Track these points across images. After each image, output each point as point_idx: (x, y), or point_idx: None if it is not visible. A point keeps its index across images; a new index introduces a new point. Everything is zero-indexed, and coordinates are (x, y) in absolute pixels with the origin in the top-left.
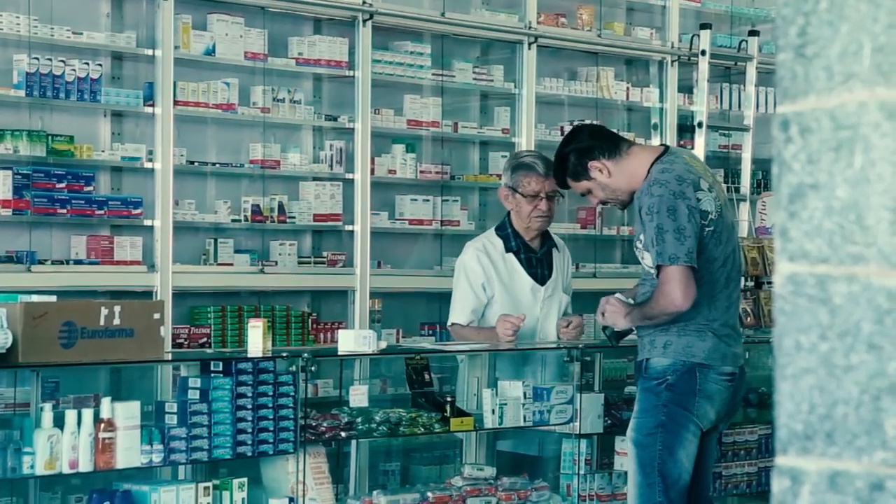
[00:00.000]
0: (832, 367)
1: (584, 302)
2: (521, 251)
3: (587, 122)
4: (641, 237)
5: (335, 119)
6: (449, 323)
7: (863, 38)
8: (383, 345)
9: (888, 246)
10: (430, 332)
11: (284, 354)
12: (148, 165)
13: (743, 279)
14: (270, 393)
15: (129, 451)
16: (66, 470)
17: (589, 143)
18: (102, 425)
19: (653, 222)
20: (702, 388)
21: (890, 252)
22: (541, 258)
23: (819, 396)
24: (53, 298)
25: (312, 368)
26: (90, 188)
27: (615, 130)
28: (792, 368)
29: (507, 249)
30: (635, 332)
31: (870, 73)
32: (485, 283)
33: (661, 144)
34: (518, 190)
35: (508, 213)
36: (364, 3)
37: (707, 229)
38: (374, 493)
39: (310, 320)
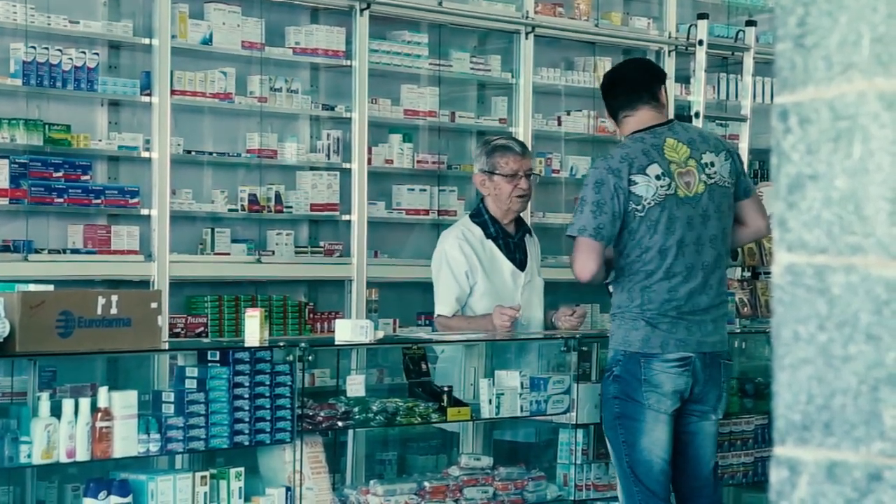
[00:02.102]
0: (830, 357)
1: (581, 292)
2: (500, 237)
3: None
4: None
5: (332, 109)
6: (436, 314)
7: (862, 28)
8: (380, 334)
9: (887, 236)
10: (427, 321)
11: (281, 344)
12: (145, 155)
13: (739, 269)
14: (267, 382)
15: (127, 441)
16: (64, 459)
17: (605, 97)
18: (100, 414)
19: (581, 193)
20: (647, 377)
21: (888, 242)
22: (518, 243)
23: (817, 387)
24: (51, 288)
25: (310, 358)
26: (87, 177)
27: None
28: (790, 359)
29: (487, 236)
30: None
31: (869, 64)
32: (468, 272)
33: (672, 119)
34: (496, 171)
35: (482, 199)
36: None
37: (637, 214)
38: (371, 482)
39: (307, 310)
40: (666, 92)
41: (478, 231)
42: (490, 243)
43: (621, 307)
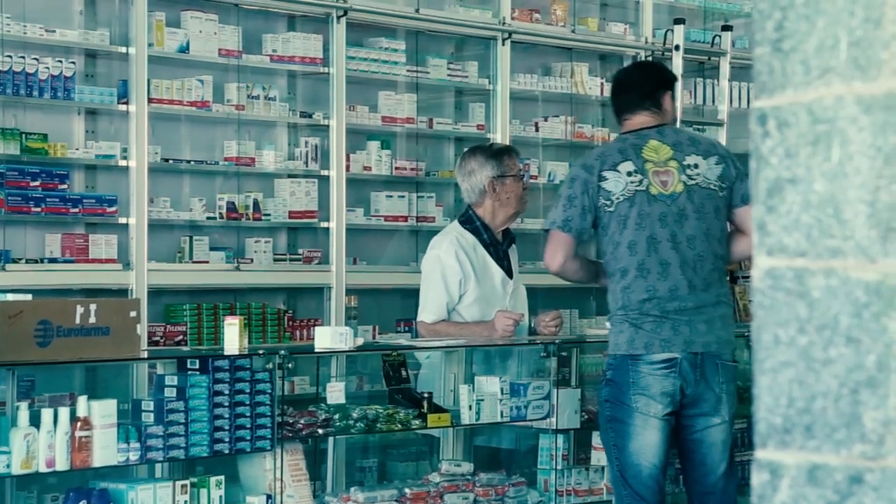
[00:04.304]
0: (811, 360)
1: (559, 297)
2: (491, 244)
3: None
4: None
5: (310, 116)
6: (419, 319)
7: (839, 32)
8: (360, 341)
9: (866, 239)
10: (406, 328)
11: (261, 352)
12: (122, 163)
13: None
14: (247, 390)
15: (106, 450)
16: (43, 469)
17: (611, 98)
18: (79, 424)
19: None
20: (634, 380)
21: (867, 245)
22: (505, 251)
23: (798, 390)
24: (29, 297)
25: (289, 366)
26: (65, 186)
27: (589, 126)
28: (770, 362)
29: (481, 242)
30: None
31: (847, 68)
32: (461, 280)
33: (661, 125)
34: (508, 174)
35: (469, 206)
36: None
37: (607, 209)
38: (352, 489)
39: (286, 317)
40: (673, 97)
41: (470, 237)
42: (482, 250)
43: (610, 311)
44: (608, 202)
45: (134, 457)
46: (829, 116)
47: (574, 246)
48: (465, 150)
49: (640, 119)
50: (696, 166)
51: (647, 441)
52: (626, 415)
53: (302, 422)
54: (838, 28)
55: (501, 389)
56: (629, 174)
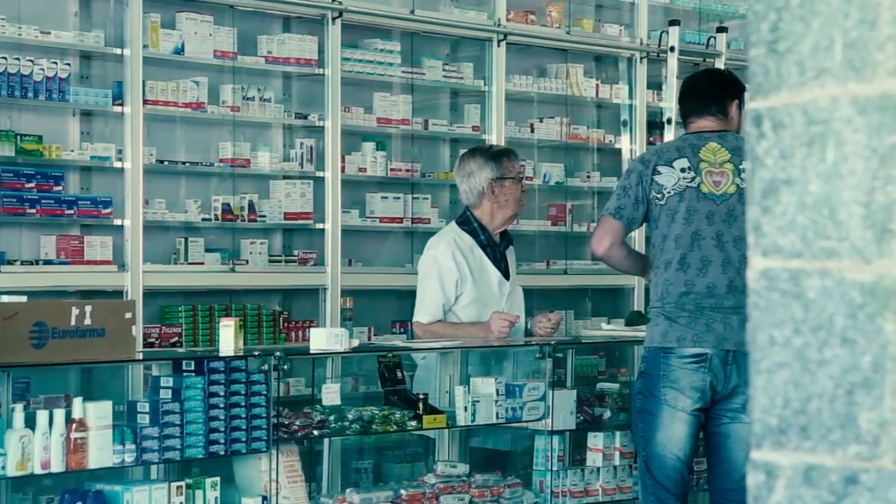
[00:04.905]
0: (806, 361)
1: (555, 299)
2: (489, 245)
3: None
4: None
5: (305, 117)
6: (415, 320)
7: (834, 33)
8: (355, 343)
9: (861, 240)
10: (402, 329)
11: (257, 353)
12: (117, 165)
13: None
14: (243, 392)
15: (102, 451)
16: (38, 470)
17: (679, 102)
18: (74, 425)
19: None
20: (665, 373)
21: (862, 246)
22: (503, 252)
23: (793, 391)
24: (24, 299)
25: (285, 367)
26: (60, 188)
27: (584, 128)
28: (766, 363)
29: (479, 244)
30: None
31: (842, 69)
32: (458, 281)
33: (724, 131)
34: (507, 176)
35: (467, 207)
36: (333, 1)
37: (658, 202)
38: (348, 491)
39: (281, 319)
40: (741, 106)
41: (468, 239)
42: (479, 251)
43: (650, 304)
44: (660, 195)
45: (129, 458)
46: (825, 117)
47: (623, 234)
48: (464, 151)
49: (704, 123)
50: None
51: (673, 434)
52: (654, 407)
53: (297, 423)
54: (833, 29)
55: (497, 391)
56: (682, 170)
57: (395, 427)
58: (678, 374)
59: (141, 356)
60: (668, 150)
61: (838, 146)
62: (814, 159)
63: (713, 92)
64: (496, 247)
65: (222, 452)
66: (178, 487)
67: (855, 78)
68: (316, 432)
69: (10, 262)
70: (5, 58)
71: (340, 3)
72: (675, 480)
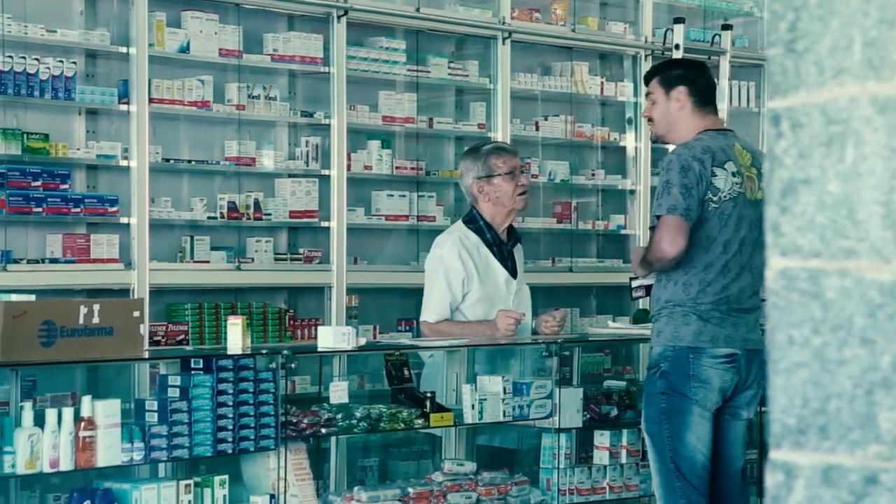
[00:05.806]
0: (825, 361)
1: (560, 296)
2: (495, 243)
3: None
4: None
5: (310, 115)
6: (422, 318)
7: (853, 32)
8: (362, 341)
9: (880, 240)
10: (408, 328)
11: (264, 351)
12: (123, 163)
13: None
14: (251, 390)
15: (110, 450)
16: (47, 469)
17: (698, 83)
18: (83, 424)
19: (664, 177)
20: (695, 372)
21: (882, 246)
22: (510, 251)
23: (812, 391)
24: (32, 297)
25: (292, 365)
26: (66, 186)
27: (589, 125)
28: (785, 363)
29: (485, 242)
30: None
31: (861, 68)
32: (464, 279)
33: (729, 129)
34: (495, 174)
35: (473, 206)
36: None
37: (712, 204)
38: (355, 488)
39: (287, 317)
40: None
41: (474, 237)
42: (486, 250)
43: (672, 301)
44: (715, 198)
45: (138, 456)
46: (843, 117)
47: (688, 234)
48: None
49: (715, 119)
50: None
51: (701, 433)
52: (684, 407)
53: (305, 421)
54: (852, 28)
55: (504, 389)
56: (733, 174)
57: (402, 425)
58: (709, 374)
59: (148, 355)
60: (716, 150)
61: (857, 146)
62: (833, 159)
63: (713, 91)
64: (503, 245)
65: (230, 450)
66: (186, 485)
67: (874, 77)
68: (324, 430)
69: (16, 261)
70: (11, 56)
71: (346, 1)
72: (704, 480)
